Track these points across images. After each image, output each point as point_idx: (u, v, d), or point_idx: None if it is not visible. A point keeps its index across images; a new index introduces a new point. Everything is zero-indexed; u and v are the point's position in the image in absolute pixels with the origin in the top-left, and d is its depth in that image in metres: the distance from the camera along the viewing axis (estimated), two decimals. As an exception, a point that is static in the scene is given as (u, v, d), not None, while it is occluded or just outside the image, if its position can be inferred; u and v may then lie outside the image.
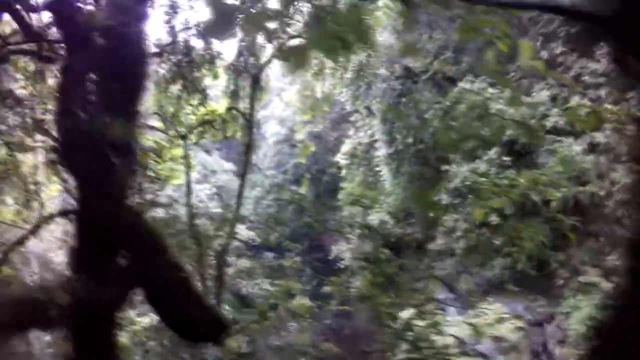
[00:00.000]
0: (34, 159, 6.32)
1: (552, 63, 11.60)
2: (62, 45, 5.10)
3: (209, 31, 5.26)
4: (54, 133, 4.63)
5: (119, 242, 4.37)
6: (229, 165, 19.83)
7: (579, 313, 11.01)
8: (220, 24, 2.85)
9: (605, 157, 11.85)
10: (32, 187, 6.49)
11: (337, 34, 2.88)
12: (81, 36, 4.48)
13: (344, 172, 22.52)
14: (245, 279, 17.42)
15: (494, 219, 13.60)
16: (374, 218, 21.37)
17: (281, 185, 24.09)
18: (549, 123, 12.51)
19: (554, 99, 12.63)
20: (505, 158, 13.55)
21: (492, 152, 13.90)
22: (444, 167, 16.43)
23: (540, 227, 11.80)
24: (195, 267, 9.13)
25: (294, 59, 3.15)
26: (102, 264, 4.26)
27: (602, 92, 11.05)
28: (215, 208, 18.14)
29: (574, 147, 12.02)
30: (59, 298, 3.60)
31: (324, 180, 23.90)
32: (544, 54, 12.03)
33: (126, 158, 4.32)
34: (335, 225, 24.34)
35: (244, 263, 17.73)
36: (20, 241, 6.51)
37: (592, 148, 12.19)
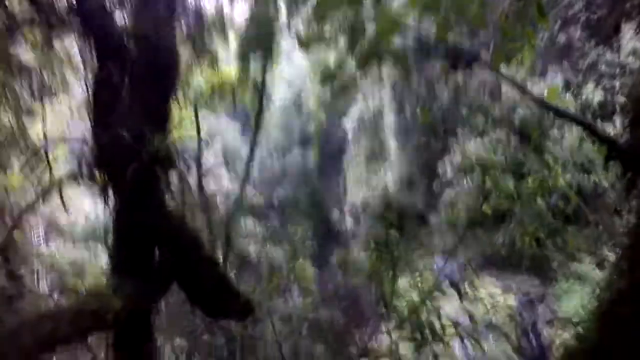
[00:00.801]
0: (41, 125, 6.35)
1: (569, 48, 11.37)
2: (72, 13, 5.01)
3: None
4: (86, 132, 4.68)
5: (159, 243, 4.57)
6: (236, 125, 19.77)
7: (569, 298, 11.28)
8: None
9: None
10: (40, 152, 6.56)
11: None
12: (114, 46, 4.44)
13: (350, 136, 22.49)
14: (250, 241, 17.70)
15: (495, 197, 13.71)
16: (376, 185, 21.54)
17: (287, 147, 24.10)
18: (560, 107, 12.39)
19: (567, 84, 12.48)
20: (512, 138, 13.51)
21: (500, 132, 13.85)
22: (451, 141, 16.43)
23: (542, 208, 11.92)
24: (205, 231, 9.34)
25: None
26: (142, 263, 4.47)
27: (617, 83, 10.88)
28: (221, 169, 18.30)
29: (583, 135, 11.95)
30: (112, 303, 3.81)
31: (329, 144, 23.88)
32: (562, 38, 11.78)
33: (164, 164, 4.34)
34: (339, 191, 24.56)
35: (249, 225, 18.04)
36: (31, 206, 6.66)
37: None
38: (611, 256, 11.32)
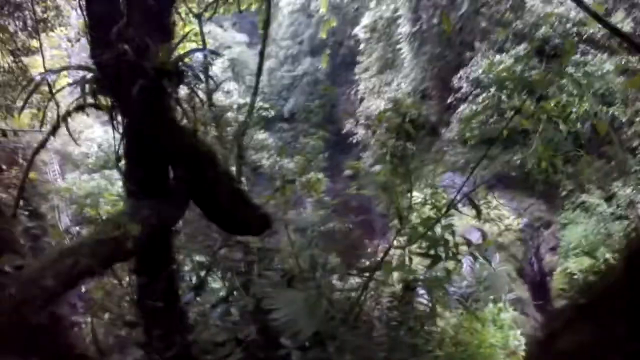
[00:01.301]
0: (40, 60, 6.08)
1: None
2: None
3: None
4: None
5: (173, 162, 4.43)
6: (242, 37, 18.99)
7: (574, 228, 11.31)
8: None
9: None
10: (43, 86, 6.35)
11: None
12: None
13: (362, 45, 21.58)
14: (261, 152, 17.75)
15: (512, 114, 13.31)
16: (389, 97, 21.04)
17: (296, 56, 23.30)
18: (585, 32, 11.60)
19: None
20: (533, 57, 12.80)
21: (521, 48, 13.11)
22: (468, 54, 15.66)
23: (556, 133, 11.59)
24: (216, 144, 9.30)
25: None
26: (157, 184, 4.37)
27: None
28: (230, 81, 17.87)
29: (606, 65, 11.28)
30: (130, 229, 3.78)
31: (340, 53, 23.02)
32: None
33: (172, 79, 4.02)
34: (348, 101, 24.07)
35: (260, 136, 17.98)
36: (42, 144, 6.60)
37: (625, 71, 11.45)
38: (621, 192, 11.21)
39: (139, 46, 3.91)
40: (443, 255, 4.43)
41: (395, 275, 4.70)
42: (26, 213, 6.95)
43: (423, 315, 4.47)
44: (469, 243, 4.94)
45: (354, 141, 23.00)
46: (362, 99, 22.14)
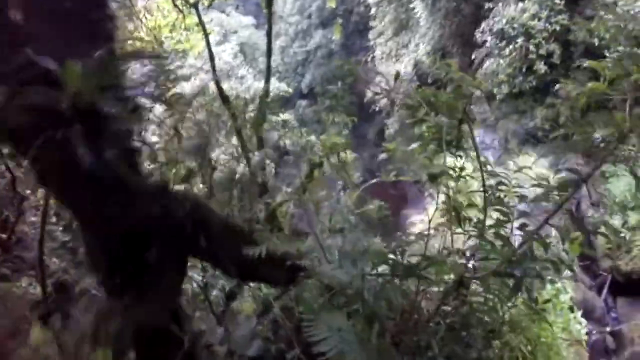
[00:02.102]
0: None
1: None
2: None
3: None
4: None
5: (153, 236, 3.31)
6: (249, 19, 18.43)
7: (616, 181, 10.55)
8: None
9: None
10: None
11: None
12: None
13: (373, 10, 20.71)
14: (282, 131, 17.30)
15: (540, 67, 12.48)
16: (408, 59, 20.22)
17: (307, 30, 22.56)
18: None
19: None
20: (558, 1, 11.83)
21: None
22: (487, 5, 14.70)
23: (588, 79, 10.70)
24: (233, 133, 8.98)
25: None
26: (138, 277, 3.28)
27: None
28: (241, 65, 17.44)
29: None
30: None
31: (352, 21, 22.18)
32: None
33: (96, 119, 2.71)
34: (366, 68, 23.32)
35: (280, 116, 17.56)
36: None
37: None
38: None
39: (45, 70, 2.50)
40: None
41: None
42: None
43: (479, 309, 3.99)
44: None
45: (377, 109, 22.38)
46: (380, 64, 21.41)
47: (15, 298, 6.50)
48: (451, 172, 4.44)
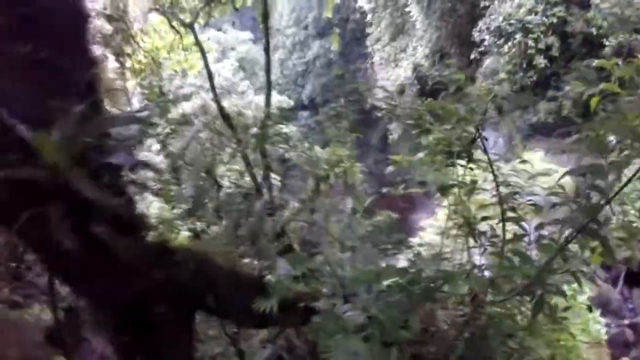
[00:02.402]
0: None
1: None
2: None
3: None
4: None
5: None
6: (246, 34, 18.53)
7: (627, 172, 10.36)
8: None
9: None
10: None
11: None
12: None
13: (369, 17, 20.75)
14: (284, 144, 17.18)
15: (540, 61, 12.41)
16: (407, 63, 20.20)
17: (304, 42, 22.65)
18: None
19: None
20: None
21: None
22: (483, 3, 14.69)
23: (588, 71, 10.60)
24: (236, 150, 8.90)
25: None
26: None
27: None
28: (241, 81, 17.48)
29: None
30: None
31: (348, 29, 22.24)
32: None
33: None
34: (366, 75, 23.34)
35: (284, 128, 17.52)
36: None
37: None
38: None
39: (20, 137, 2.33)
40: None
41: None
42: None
43: (496, 319, 3.86)
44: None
45: (379, 115, 22.34)
46: (379, 70, 21.43)
47: (27, 325, 6.50)
48: (462, 184, 4.34)
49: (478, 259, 4.16)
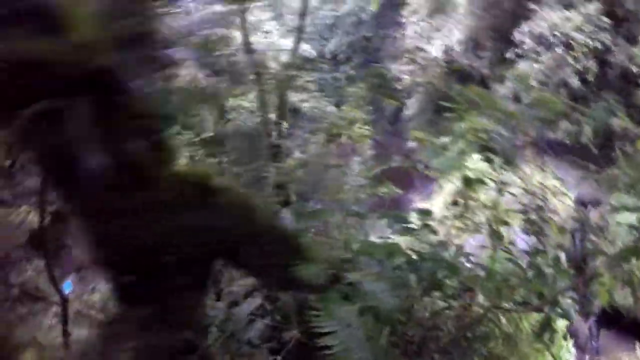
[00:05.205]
0: None
1: None
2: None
3: None
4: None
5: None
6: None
7: (625, 215, 10.39)
8: None
9: None
10: None
11: None
12: None
13: (413, -14, 20.14)
14: (303, 95, 16.80)
15: (574, 81, 12.27)
16: (440, 44, 19.77)
17: (341, -4, 22.01)
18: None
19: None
20: (604, 18, 11.48)
21: (592, 8, 11.75)
22: (530, 5, 14.29)
23: (617, 106, 10.51)
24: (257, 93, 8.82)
25: None
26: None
27: None
28: (268, 20, 17.03)
29: None
30: None
31: (389, -5, 21.56)
32: None
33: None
34: (395, 44, 22.83)
35: (303, 77, 17.16)
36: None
37: None
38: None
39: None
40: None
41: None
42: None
43: (480, 315, 4.01)
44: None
45: (399, 88, 22.02)
46: (410, 43, 20.97)
47: (12, 224, 6.42)
48: (488, 181, 4.38)
49: (475, 258, 4.27)
